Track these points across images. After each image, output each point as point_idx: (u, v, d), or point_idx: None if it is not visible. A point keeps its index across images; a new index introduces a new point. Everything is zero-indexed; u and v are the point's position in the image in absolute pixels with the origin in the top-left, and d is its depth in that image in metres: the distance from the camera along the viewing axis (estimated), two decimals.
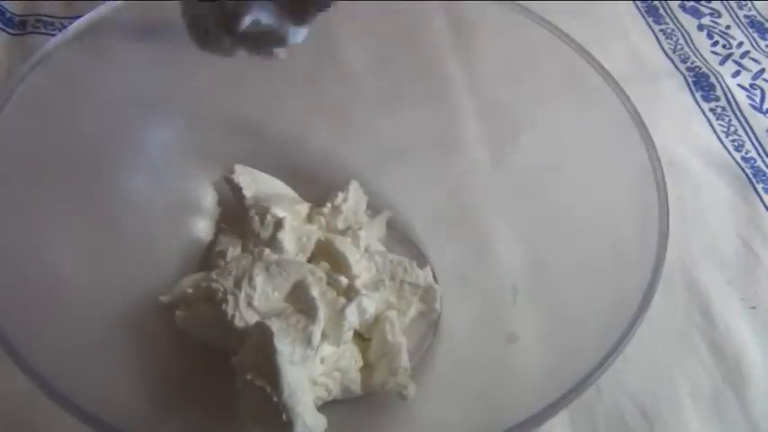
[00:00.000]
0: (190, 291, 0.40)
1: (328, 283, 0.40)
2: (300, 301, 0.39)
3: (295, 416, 0.35)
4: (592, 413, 0.42)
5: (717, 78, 0.61)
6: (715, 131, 0.58)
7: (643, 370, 0.43)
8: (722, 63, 0.63)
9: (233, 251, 0.44)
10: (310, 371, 0.37)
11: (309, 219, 0.46)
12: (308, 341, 0.37)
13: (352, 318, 0.39)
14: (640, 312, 0.32)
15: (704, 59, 0.63)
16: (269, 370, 0.35)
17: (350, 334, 0.40)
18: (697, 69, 0.62)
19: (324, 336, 0.38)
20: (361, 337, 0.42)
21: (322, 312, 0.38)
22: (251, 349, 0.37)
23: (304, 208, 0.47)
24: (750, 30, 0.67)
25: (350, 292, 0.40)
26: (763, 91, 0.61)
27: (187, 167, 0.46)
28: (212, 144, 0.46)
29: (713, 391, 0.43)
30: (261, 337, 0.36)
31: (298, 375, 0.36)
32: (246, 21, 0.29)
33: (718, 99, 0.60)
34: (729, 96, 0.60)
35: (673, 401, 0.42)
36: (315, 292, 0.39)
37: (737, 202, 0.53)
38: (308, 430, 0.35)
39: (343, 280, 0.40)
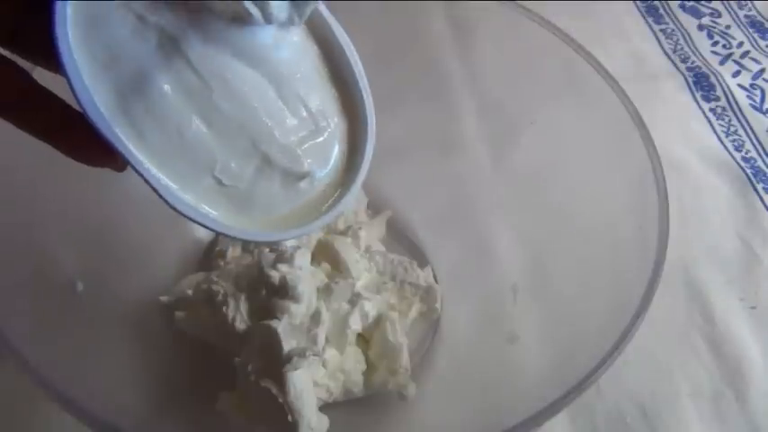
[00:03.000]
0: (189, 292, 0.40)
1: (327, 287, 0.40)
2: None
3: (300, 417, 0.35)
4: (592, 413, 0.42)
5: (717, 78, 0.61)
6: (715, 131, 0.58)
7: (643, 370, 0.43)
8: (722, 63, 0.63)
9: (233, 251, 0.44)
10: (314, 373, 0.37)
11: None
12: (313, 343, 0.37)
13: (356, 325, 0.39)
14: (640, 312, 0.32)
15: (704, 59, 0.63)
16: (275, 371, 0.35)
17: (353, 336, 0.40)
18: (697, 69, 0.62)
19: (327, 341, 0.38)
20: (363, 338, 0.42)
21: (326, 315, 0.38)
22: (254, 350, 0.37)
23: None
24: (750, 30, 0.67)
25: (352, 297, 0.40)
26: (763, 91, 0.61)
27: None
28: None
29: (713, 391, 0.43)
30: (266, 339, 0.36)
31: (303, 377, 0.36)
32: None
33: (718, 99, 0.60)
34: (729, 96, 0.60)
35: (673, 401, 0.42)
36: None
37: (737, 202, 0.53)
38: (312, 431, 0.35)
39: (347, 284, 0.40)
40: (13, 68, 0.25)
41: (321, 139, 0.29)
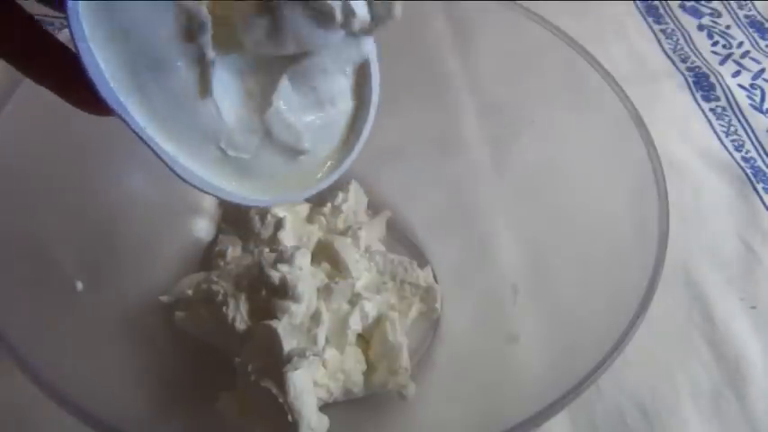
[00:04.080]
0: (189, 292, 0.40)
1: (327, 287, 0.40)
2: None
3: (300, 417, 0.35)
4: (592, 413, 0.42)
5: (717, 78, 0.61)
6: (715, 131, 0.58)
7: (643, 370, 0.43)
8: (722, 63, 0.63)
9: (233, 251, 0.44)
10: (313, 373, 0.37)
11: (309, 219, 0.46)
12: (313, 343, 0.37)
13: (356, 325, 0.39)
14: (640, 312, 0.32)
15: (704, 59, 0.63)
16: (275, 371, 0.35)
17: (353, 336, 0.40)
18: (697, 69, 0.62)
19: (327, 341, 0.38)
20: (363, 338, 0.42)
21: (326, 315, 0.38)
22: (255, 350, 0.37)
23: (304, 208, 0.47)
24: (750, 30, 0.67)
25: (352, 297, 0.40)
26: (763, 91, 0.61)
27: None
28: None
29: (713, 391, 0.43)
30: (266, 339, 0.36)
31: (303, 377, 0.36)
32: None
33: (718, 99, 0.60)
34: (729, 96, 0.60)
35: (673, 401, 0.42)
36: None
37: (737, 202, 0.53)
38: (312, 431, 0.35)
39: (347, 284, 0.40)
40: (17, 14, 0.25)
41: (325, 119, 0.29)
